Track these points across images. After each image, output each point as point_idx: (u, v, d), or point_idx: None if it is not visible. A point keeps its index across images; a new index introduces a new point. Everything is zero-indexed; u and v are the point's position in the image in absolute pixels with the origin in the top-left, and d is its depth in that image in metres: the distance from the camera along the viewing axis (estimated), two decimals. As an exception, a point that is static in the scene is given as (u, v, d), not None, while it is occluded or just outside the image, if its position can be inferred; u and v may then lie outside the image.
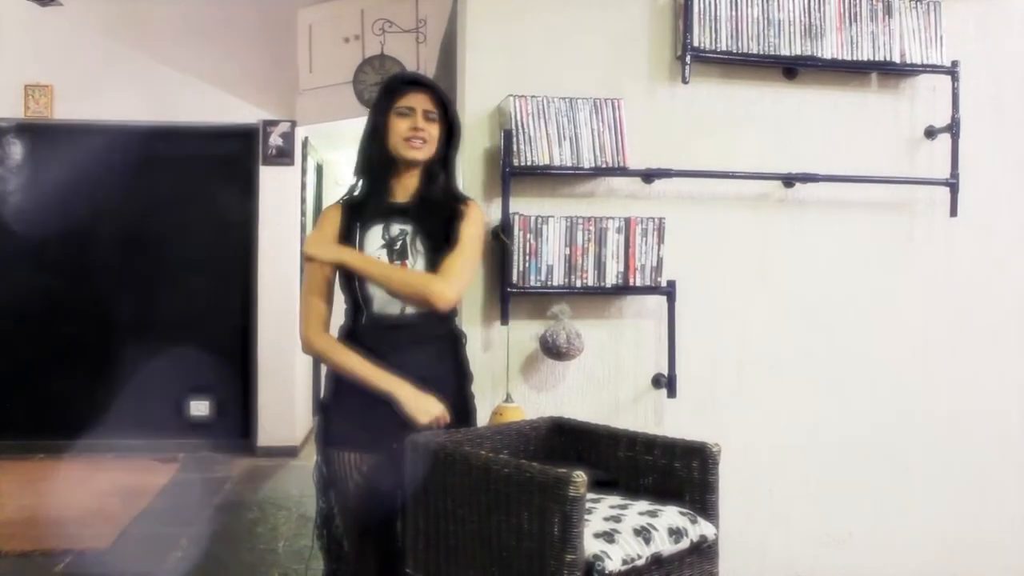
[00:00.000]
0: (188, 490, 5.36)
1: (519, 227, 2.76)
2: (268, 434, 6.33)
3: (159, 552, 4.15)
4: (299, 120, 6.28)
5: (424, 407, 2.26)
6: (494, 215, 2.81)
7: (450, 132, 2.41)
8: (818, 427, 3.10)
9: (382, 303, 2.33)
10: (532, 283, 2.78)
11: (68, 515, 4.73)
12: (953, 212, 3.11)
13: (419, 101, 2.36)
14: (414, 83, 2.41)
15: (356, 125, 5.84)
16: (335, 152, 7.34)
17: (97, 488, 5.28)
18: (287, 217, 6.36)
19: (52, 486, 5.35)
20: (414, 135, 2.34)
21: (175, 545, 4.25)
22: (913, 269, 3.18)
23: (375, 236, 2.35)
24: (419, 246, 2.33)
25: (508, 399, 2.76)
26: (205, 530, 4.54)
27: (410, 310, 2.33)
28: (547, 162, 2.80)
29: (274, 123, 6.29)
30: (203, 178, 6.42)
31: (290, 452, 6.29)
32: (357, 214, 2.38)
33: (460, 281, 2.31)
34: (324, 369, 2.46)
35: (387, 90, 2.41)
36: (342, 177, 7.57)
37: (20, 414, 6.21)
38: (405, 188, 2.40)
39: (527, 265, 2.77)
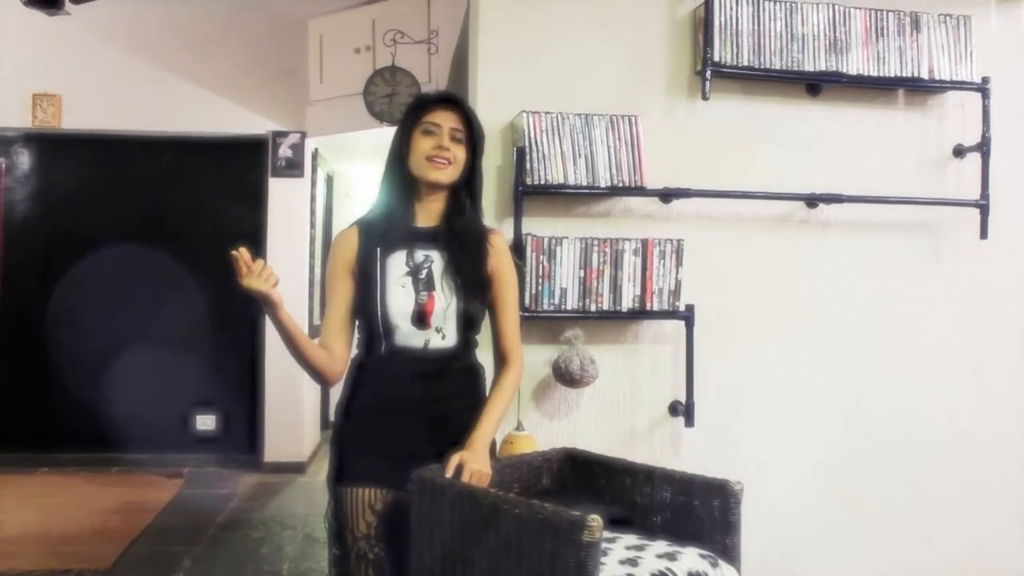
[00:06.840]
0: (193, 507, 5.28)
1: (532, 248, 2.67)
2: (275, 449, 6.25)
3: (161, 573, 4.07)
4: (309, 131, 6.21)
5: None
6: (506, 235, 2.70)
7: (475, 155, 2.25)
8: (842, 456, 2.99)
9: (406, 335, 2.18)
10: (545, 307, 2.68)
11: (70, 532, 4.66)
12: (983, 234, 3.00)
13: (447, 119, 2.22)
14: (442, 100, 2.26)
15: (367, 137, 5.79)
16: (345, 164, 7.27)
17: (100, 504, 5.21)
18: (296, 229, 6.28)
19: (54, 502, 5.27)
20: (438, 154, 2.19)
21: (178, 566, 4.17)
22: (941, 293, 3.07)
23: (398, 262, 2.21)
24: (449, 284, 2.19)
25: (519, 427, 2.66)
26: (209, 550, 4.46)
27: (434, 344, 2.19)
28: (561, 180, 2.71)
29: (283, 134, 6.21)
30: (211, 189, 6.36)
31: (297, 468, 6.20)
32: (377, 237, 2.23)
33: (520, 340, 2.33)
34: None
35: (413, 107, 2.27)
36: (352, 189, 7.51)
37: (23, 427, 6.15)
38: (429, 212, 2.26)
39: (540, 288, 2.67)
